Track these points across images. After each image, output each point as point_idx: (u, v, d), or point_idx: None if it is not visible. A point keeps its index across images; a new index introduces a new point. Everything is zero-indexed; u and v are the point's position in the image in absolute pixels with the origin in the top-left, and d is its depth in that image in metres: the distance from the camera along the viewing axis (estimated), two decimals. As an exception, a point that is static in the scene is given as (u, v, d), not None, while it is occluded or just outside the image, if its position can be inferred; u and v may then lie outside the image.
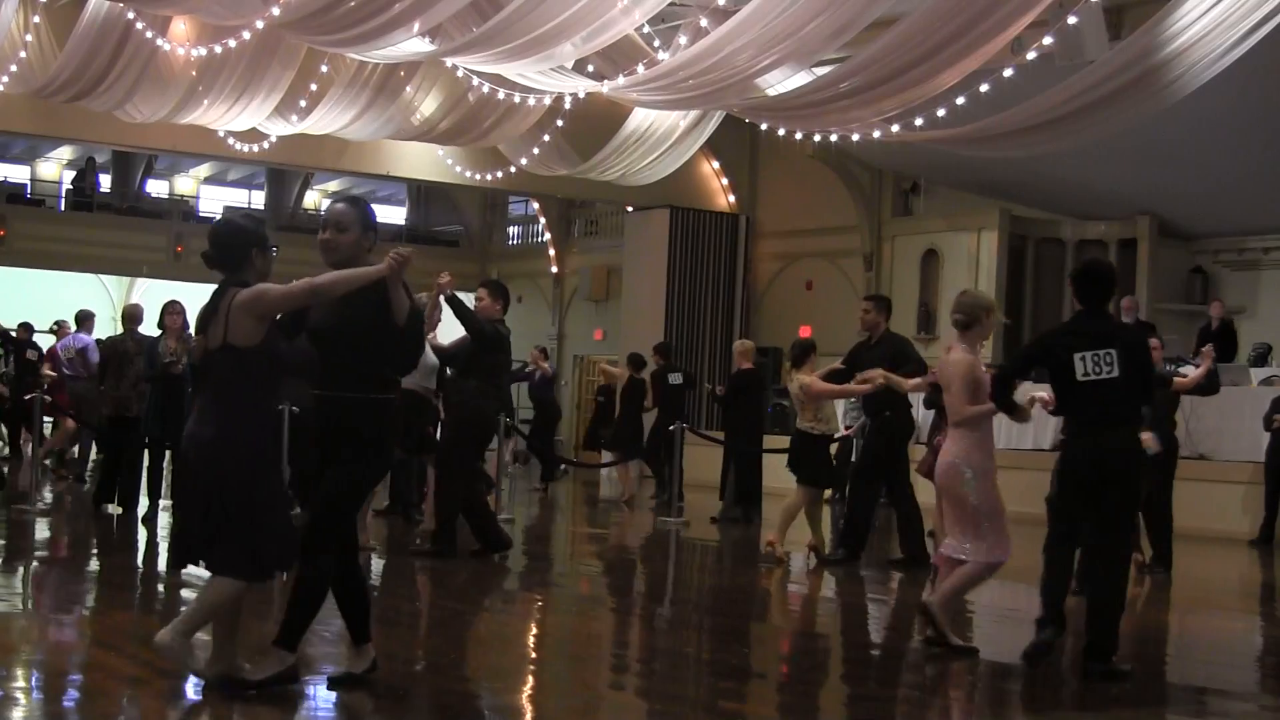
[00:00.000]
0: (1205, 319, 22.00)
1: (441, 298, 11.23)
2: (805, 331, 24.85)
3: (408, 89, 20.83)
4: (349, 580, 6.99)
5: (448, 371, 13.31)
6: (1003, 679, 8.19)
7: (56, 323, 21.14)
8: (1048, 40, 14.37)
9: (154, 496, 14.63)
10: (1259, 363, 20.68)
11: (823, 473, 13.37)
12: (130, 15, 18.03)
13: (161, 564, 12.30)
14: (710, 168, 28.49)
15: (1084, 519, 8.25)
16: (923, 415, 16.80)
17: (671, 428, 18.15)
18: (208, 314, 6.75)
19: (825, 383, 13.06)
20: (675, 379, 21.03)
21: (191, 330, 14.68)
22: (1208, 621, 11.73)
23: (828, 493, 15.59)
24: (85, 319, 19.11)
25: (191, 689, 7.08)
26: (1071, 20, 14.55)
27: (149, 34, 18.40)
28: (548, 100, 20.11)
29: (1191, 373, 13.98)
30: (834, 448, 16.77)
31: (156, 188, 38.59)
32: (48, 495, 16.96)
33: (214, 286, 6.81)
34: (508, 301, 12.58)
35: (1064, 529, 8.35)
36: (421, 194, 38.45)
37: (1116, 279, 8.83)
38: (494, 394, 12.65)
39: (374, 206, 7.29)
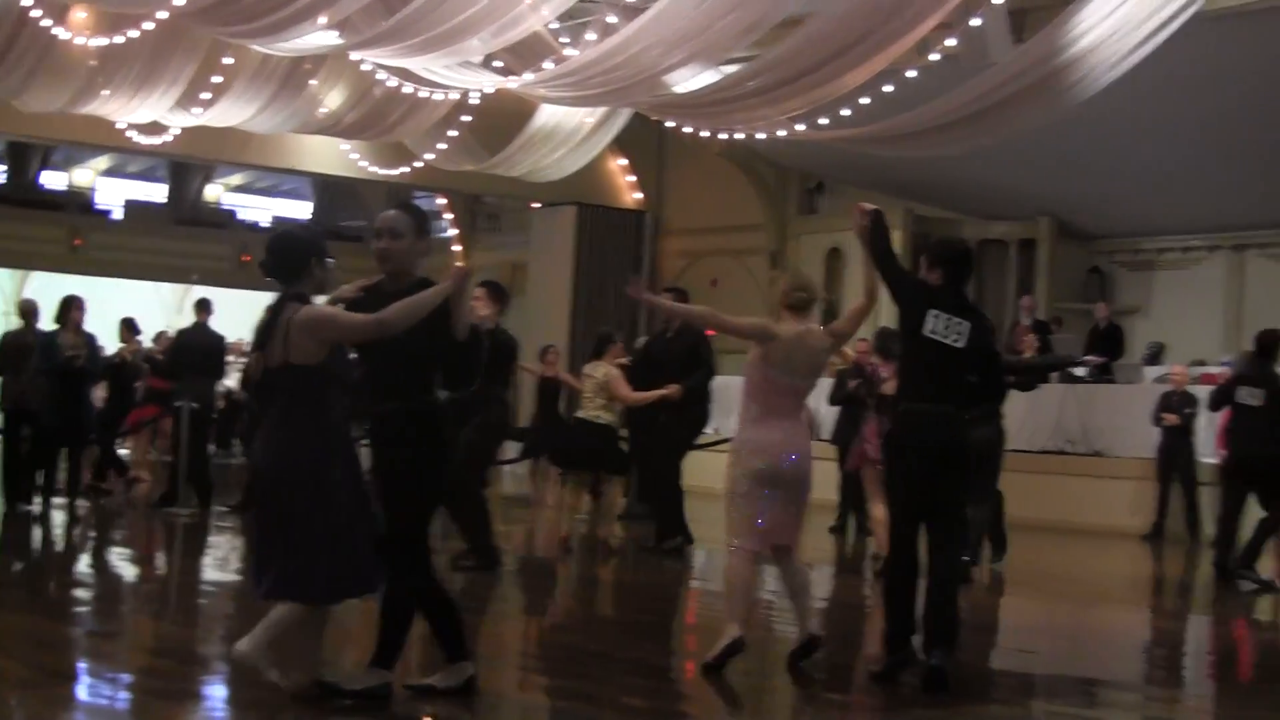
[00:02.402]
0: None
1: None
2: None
3: (313, 82, 20.63)
4: (431, 596, 6.86)
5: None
6: (902, 674, 8.20)
7: None
8: (952, 42, 14.50)
9: (48, 493, 14.38)
10: (1152, 361, 21.00)
11: (620, 461, 13.48)
12: (26, 2, 17.73)
13: (55, 562, 12.13)
14: (617, 165, 28.43)
15: (924, 505, 7.87)
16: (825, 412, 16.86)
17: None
18: (266, 329, 6.60)
19: (628, 390, 13.20)
20: None
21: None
22: (1100, 615, 11.90)
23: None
24: None
25: (84, 691, 6.98)
26: (976, 22, 14.69)
27: (45, 22, 18.09)
28: (454, 96, 20.02)
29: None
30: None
31: (53, 179, 38.00)
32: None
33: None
34: (507, 303, 12.18)
35: (908, 530, 7.94)
36: (326, 188, 38.16)
37: None
38: (506, 401, 12.41)
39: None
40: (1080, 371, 19.88)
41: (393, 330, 6.54)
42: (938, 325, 7.82)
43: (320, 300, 6.82)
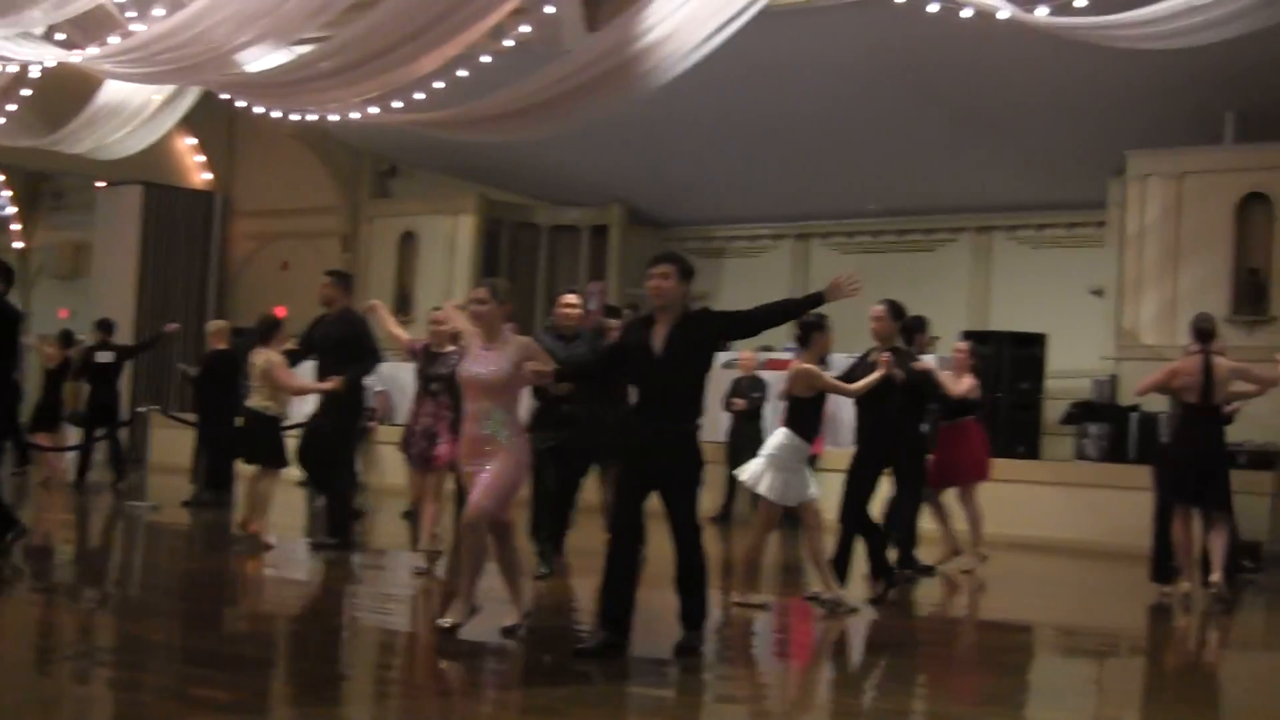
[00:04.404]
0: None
1: None
2: (281, 312, 24.47)
3: None
4: None
5: None
6: (475, 657, 8.22)
7: None
8: (526, 28, 14.62)
9: None
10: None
11: (279, 454, 13.26)
12: None
13: None
14: (186, 144, 27.77)
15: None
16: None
17: (141, 410, 17.70)
18: None
19: (291, 377, 13.02)
20: (105, 356, 20.09)
21: None
22: (669, 596, 12.13)
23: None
24: None
25: None
26: (549, 10, 14.85)
27: None
28: (13, 68, 19.10)
29: None
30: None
31: None
32: None
33: None
34: (12, 281, 11.81)
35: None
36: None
37: None
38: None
39: None
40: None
41: None
42: None
43: None
